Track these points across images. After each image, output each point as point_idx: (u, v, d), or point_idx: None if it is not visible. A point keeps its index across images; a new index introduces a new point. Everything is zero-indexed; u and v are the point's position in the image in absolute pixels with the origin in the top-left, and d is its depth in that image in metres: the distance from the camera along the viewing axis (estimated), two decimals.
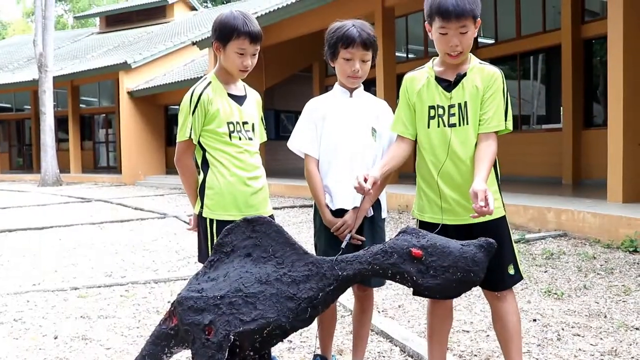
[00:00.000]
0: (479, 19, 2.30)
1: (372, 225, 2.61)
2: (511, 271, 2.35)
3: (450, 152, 2.34)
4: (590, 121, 10.77)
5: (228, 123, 2.61)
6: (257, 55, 2.66)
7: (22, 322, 3.84)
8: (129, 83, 19.72)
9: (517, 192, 8.70)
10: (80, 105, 24.34)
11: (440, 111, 2.37)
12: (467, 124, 2.34)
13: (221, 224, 2.55)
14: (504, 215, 2.40)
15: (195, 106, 2.58)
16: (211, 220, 2.62)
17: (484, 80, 2.33)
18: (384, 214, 2.70)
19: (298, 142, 2.70)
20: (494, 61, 13.13)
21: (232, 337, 1.85)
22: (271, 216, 2.70)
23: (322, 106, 2.70)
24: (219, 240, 2.08)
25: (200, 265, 2.50)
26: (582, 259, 5.27)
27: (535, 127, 12.22)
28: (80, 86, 23.64)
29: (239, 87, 2.74)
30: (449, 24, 2.25)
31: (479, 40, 12.80)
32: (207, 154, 2.63)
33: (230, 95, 2.66)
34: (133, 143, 19.77)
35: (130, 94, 19.65)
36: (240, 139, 2.64)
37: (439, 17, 2.26)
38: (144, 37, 25.16)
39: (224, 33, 2.58)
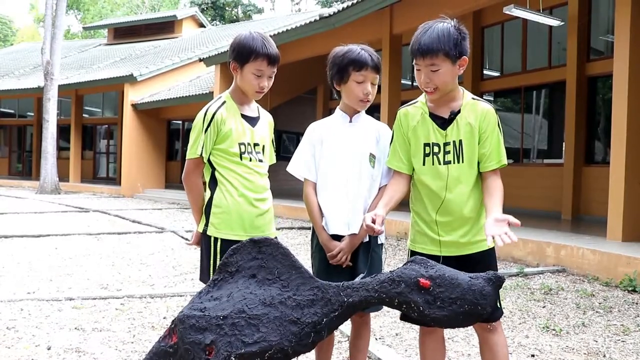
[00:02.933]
0: (464, 57, 2.31)
1: (367, 250, 2.61)
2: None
3: (448, 190, 2.38)
4: (592, 158, 10.81)
5: (240, 144, 2.61)
6: (273, 78, 2.68)
7: (15, 331, 3.80)
8: (133, 95, 19.78)
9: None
10: (84, 115, 24.40)
11: (436, 149, 2.40)
12: (463, 162, 2.38)
13: (226, 243, 2.53)
14: (494, 247, 2.39)
15: (209, 125, 2.57)
16: (215, 239, 2.59)
17: (477, 118, 2.36)
18: (381, 240, 2.69)
19: (296, 166, 2.73)
20: (498, 93, 13.28)
21: (233, 358, 1.82)
22: (275, 238, 2.68)
23: (321, 130, 2.72)
24: (224, 259, 2.06)
25: (201, 284, 2.48)
26: (580, 295, 5.24)
27: (536, 161, 12.25)
28: (84, 96, 23.72)
29: (253, 108, 2.75)
30: (418, 61, 2.31)
31: (484, 72, 12.90)
32: (216, 172, 2.62)
33: (243, 116, 2.66)
34: (134, 155, 19.76)
35: (134, 106, 19.69)
36: (250, 160, 2.63)
37: (412, 54, 2.34)
38: (151, 50, 25.31)
39: (242, 54, 2.59)
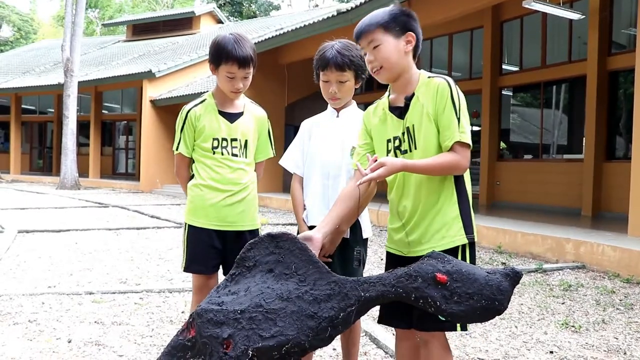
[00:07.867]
0: (410, 32, 2.16)
1: (344, 246, 2.58)
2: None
3: (405, 184, 2.18)
4: (613, 153, 10.67)
5: (213, 139, 2.76)
6: (249, 78, 2.74)
7: (37, 324, 3.86)
8: (152, 92, 19.92)
9: (535, 221, 8.62)
10: (103, 111, 24.66)
11: (397, 142, 2.19)
12: (416, 149, 2.13)
13: (191, 229, 2.79)
14: (463, 245, 2.13)
15: (184, 122, 2.78)
16: (186, 224, 2.84)
17: (431, 96, 2.10)
18: (365, 234, 2.68)
19: (286, 159, 2.82)
20: (517, 89, 13.15)
21: (251, 352, 1.83)
22: (257, 230, 2.83)
23: (311, 125, 2.80)
24: (242, 254, 2.07)
25: (221, 278, 2.52)
26: (600, 292, 5.19)
27: (556, 157, 12.13)
28: (103, 92, 23.96)
29: (237, 105, 2.84)
30: (360, 44, 2.23)
31: (503, 67, 12.78)
32: (194, 165, 2.83)
33: (221, 112, 2.79)
34: (152, 151, 19.91)
35: (153, 102, 19.83)
36: (222, 154, 2.77)
37: (355, 41, 2.28)
38: (170, 47, 25.46)
39: (215, 56, 2.71)
